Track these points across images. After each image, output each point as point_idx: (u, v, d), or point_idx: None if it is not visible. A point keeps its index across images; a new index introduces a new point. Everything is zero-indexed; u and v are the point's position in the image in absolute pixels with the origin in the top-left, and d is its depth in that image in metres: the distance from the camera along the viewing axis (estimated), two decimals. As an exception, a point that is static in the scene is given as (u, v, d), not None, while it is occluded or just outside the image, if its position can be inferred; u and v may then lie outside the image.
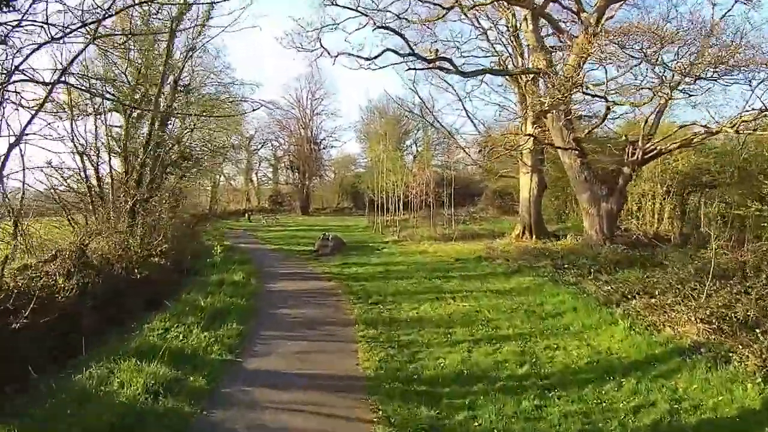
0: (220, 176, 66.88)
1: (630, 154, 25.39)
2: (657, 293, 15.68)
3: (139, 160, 23.11)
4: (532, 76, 30.77)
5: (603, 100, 22.78)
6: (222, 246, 26.89)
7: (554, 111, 26.11)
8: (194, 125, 30.64)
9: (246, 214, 59.10)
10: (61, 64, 16.03)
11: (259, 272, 23.33)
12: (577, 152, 25.84)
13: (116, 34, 17.56)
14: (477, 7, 28.39)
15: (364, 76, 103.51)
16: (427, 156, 55.71)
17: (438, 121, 37.74)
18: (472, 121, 37.37)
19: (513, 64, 33.88)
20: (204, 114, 28.38)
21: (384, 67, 26.59)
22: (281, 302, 17.69)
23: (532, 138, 30.19)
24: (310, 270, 24.55)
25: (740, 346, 11.23)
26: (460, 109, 38.08)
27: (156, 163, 25.11)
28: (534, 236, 32.18)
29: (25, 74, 11.02)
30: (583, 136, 26.44)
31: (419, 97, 37.97)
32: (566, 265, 21.84)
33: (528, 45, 30.33)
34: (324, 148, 72.50)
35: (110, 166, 23.45)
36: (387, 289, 19.24)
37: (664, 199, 32.11)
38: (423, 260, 26.29)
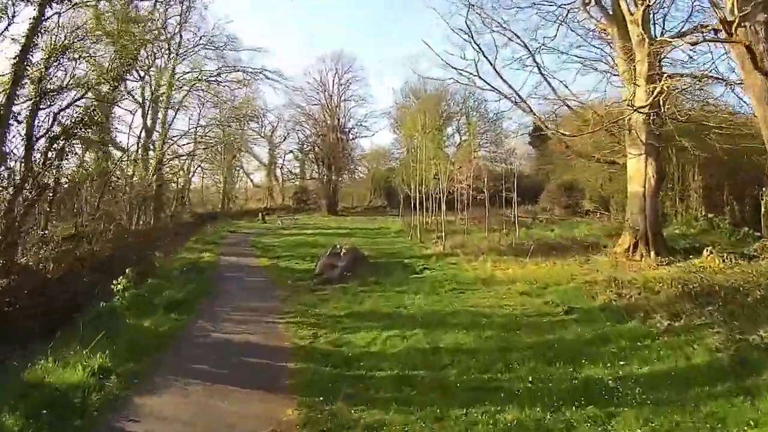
0: (237, 170, 54.78)
1: None
2: None
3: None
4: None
5: None
6: (132, 273, 13.89)
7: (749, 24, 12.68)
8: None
9: (260, 214, 46.38)
10: None
11: (164, 345, 10.55)
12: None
13: None
14: None
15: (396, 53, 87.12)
16: (473, 144, 42.40)
17: (501, 77, 23.77)
18: (548, 82, 22.88)
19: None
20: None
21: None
22: None
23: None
24: (277, 334, 11.20)
25: None
26: (530, 66, 22.27)
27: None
28: (653, 252, 19.16)
29: None
30: None
31: (475, 45, 23.75)
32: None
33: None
34: (353, 139, 58.93)
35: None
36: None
37: None
38: (500, 308, 12.98)
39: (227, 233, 35.05)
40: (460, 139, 53.15)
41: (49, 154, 14.66)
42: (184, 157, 37.10)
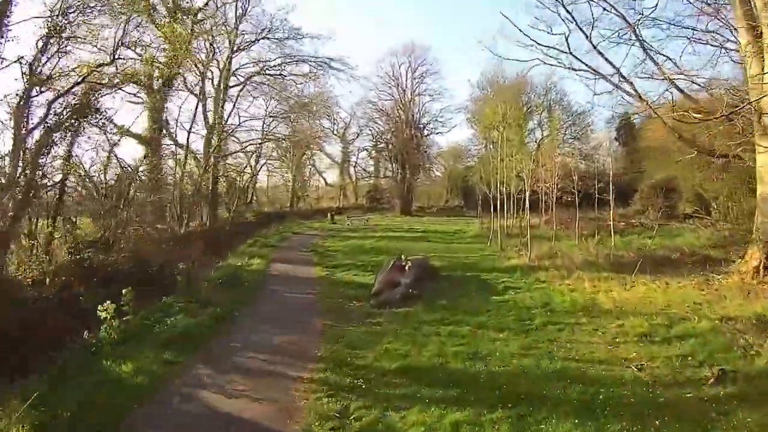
0: (308, 168, 52.33)
1: None
2: None
3: None
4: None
5: None
6: (131, 295, 10.63)
7: None
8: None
9: (329, 214, 43.34)
10: None
11: (125, 413, 7.00)
12: None
13: None
14: None
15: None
16: (556, 139, 37.35)
17: (600, 53, 18.88)
18: (653, 59, 17.54)
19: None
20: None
21: None
22: None
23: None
24: (290, 405, 7.20)
25: None
26: (630, 42, 17.06)
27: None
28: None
29: None
30: None
31: (567, 14, 18.92)
32: None
33: None
34: (428, 135, 54.59)
35: None
36: None
37: None
38: (618, 365, 8.65)
39: (290, 234, 32.16)
40: (542, 134, 47.85)
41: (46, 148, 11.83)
42: (249, 154, 34.73)
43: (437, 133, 55.38)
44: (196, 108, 26.95)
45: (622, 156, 47.13)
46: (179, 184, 23.88)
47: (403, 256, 16.36)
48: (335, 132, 55.01)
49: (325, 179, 58.39)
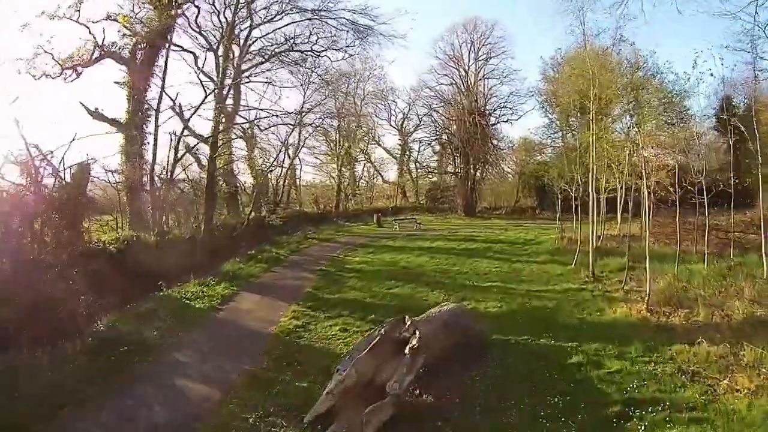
0: (362, 163, 44.81)
1: None
2: None
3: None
4: None
5: None
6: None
7: None
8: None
9: (375, 216, 35.12)
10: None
11: None
12: None
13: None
14: None
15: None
16: (650, 124, 27.24)
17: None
18: None
19: None
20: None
21: None
22: None
23: None
24: None
25: None
26: None
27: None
28: None
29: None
30: None
31: None
32: None
33: None
34: (494, 124, 44.34)
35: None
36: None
37: None
38: None
39: (315, 242, 24.46)
40: (631, 120, 36.52)
41: None
42: (280, 145, 27.78)
43: (505, 122, 44.98)
44: (163, 83, 19.70)
45: (720, 149, 35.42)
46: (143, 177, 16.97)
47: (407, 317, 7.94)
48: (392, 123, 46.94)
49: (382, 176, 49.86)
